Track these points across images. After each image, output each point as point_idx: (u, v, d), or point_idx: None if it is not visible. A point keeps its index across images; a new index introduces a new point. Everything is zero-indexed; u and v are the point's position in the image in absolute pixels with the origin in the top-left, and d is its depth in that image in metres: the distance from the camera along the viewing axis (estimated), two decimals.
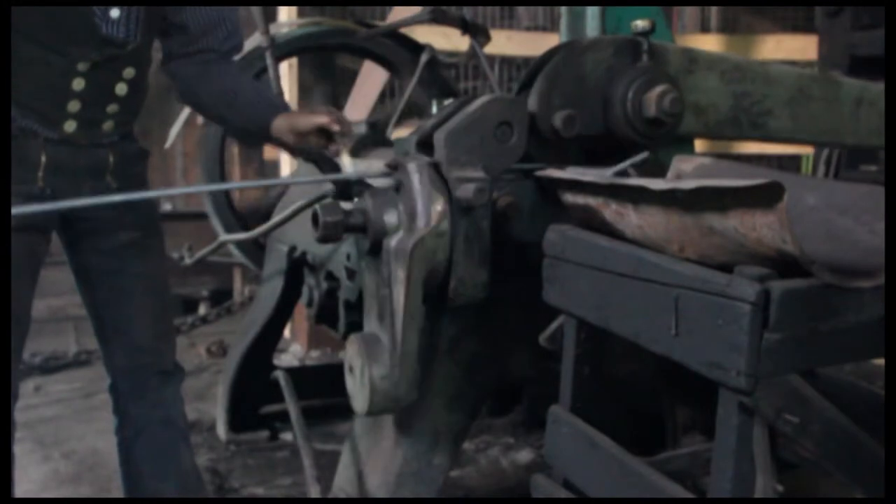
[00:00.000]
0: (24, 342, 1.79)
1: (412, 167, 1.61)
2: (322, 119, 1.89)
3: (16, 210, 1.47)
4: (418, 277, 1.59)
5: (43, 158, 1.71)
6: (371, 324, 1.69)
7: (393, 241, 1.60)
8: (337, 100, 3.77)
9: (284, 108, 1.97)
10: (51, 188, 1.73)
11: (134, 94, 1.81)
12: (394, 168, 1.65)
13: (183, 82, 1.92)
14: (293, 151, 2.09)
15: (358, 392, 1.64)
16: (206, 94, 1.92)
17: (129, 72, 1.77)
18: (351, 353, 1.67)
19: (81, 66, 1.69)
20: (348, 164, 1.81)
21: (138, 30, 1.73)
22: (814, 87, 2.06)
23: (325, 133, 1.91)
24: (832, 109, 2.10)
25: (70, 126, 1.73)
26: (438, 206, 1.59)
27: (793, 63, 4.55)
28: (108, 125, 1.79)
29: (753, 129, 2.00)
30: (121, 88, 1.77)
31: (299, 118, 1.91)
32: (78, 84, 1.70)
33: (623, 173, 1.60)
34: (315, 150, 1.95)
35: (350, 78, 4.10)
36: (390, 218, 1.62)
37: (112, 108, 1.78)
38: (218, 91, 1.91)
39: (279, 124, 1.91)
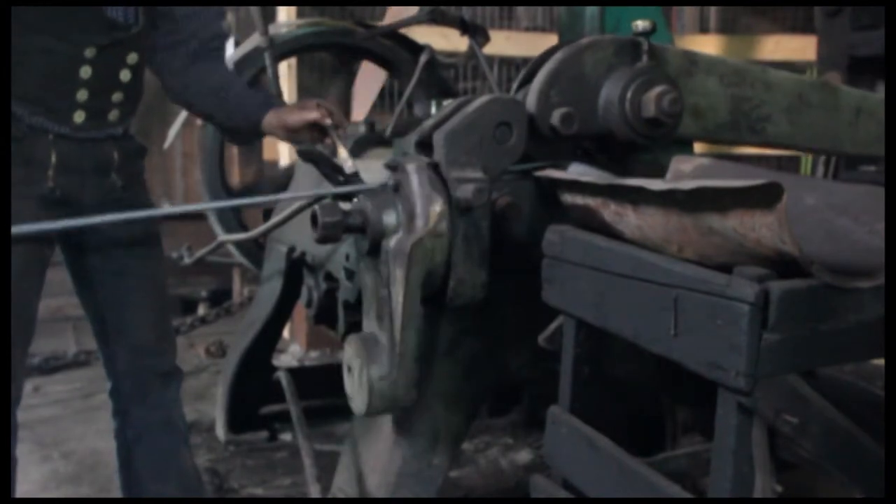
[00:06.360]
0: (29, 345, 1.79)
1: (411, 168, 1.61)
2: (311, 115, 1.88)
3: (16, 229, 1.52)
4: (417, 278, 1.58)
5: (53, 158, 1.71)
6: (370, 324, 1.69)
7: (392, 242, 1.60)
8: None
9: (275, 104, 1.96)
10: (60, 188, 1.73)
11: (136, 81, 1.81)
12: (393, 169, 1.65)
13: (170, 78, 1.92)
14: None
15: (356, 393, 1.64)
16: (195, 91, 1.92)
17: (132, 57, 1.77)
18: (349, 354, 1.67)
19: (88, 53, 1.69)
20: (344, 157, 1.80)
21: (139, 12, 1.73)
22: (813, 95, 2.06)
23: (317, 128, 1.90)
24: (831, 117, 2.09)
25: (79, 117, 1.73)
26: (437, 206, 1.58)
27: (792, 64, 4.56)
28: (113, 115, 1.79)
29: (752, 133, 2.00)
30: (125, 75, 1.77)
31: (289, 114, 1.90)
32: (85, 72, 1.70)
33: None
34: (310, 149, 1.95)
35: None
36: (389, 218, 1.62)
37: (117, 96, 1.78)
38: (207, 88, 1.91)
39: (269, 121, 1.90)
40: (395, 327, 1.59)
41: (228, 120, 1.96)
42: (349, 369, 1.67)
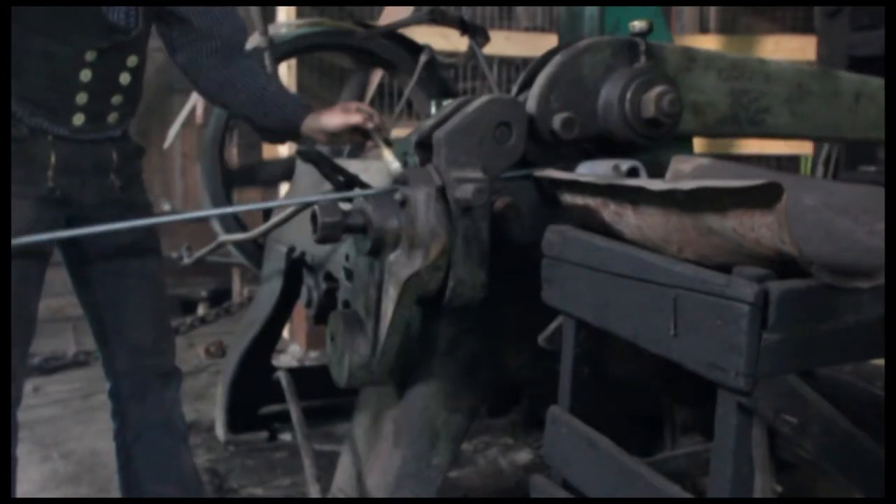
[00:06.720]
0: (29, 345, 1.79)
1: (421, 197, 1.60)
2: (355, 119, 1.88)
3: (16, 241, 1.53)
4: (409, 300, 1.62)
5: (52, 158, 1.71)
6: (358, 307, 1.70)
7: (391, 258, 1.60)
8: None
9: (309, 107, 1.96)
10: (60, 188, 1.73)
11: (136, 83, 1.81)
12: (402, 183, 1.65)
13: (203, 79, 1.90)
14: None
15: (336, 366, 1.74)
16: (231, 91, 1.90)
17: (132, 60, 1.77)
18: (333, 328, 1.72)
19: (89, 56, 1.69)
20: (389, 158, 1.80)
21: (139, 15, 1.73)
22: (812, 83, 2.06)
23: (359, 131, 1.89)
24: (831, 104, 2.10)
25: (78, 120, 1.73)
26: (439, 243, 1.59)
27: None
28: (112, 117, 1.79)
29: (752, 126, 2.00)
30: (125, 78, 1.77)
31: (330, 118, 1.89)
32: (85, 75, 1.70)
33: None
34: (309, 150, 1.95)
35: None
36: (391, 224, 1.62)
37: (116, 98, 1.78)
38: (243, 89, 1.89)
39: (310, 124, 1.89)
40: (380, 331, 1.63)
41: (266, 120, 1.94)
42: (332, 339, 1.72)
